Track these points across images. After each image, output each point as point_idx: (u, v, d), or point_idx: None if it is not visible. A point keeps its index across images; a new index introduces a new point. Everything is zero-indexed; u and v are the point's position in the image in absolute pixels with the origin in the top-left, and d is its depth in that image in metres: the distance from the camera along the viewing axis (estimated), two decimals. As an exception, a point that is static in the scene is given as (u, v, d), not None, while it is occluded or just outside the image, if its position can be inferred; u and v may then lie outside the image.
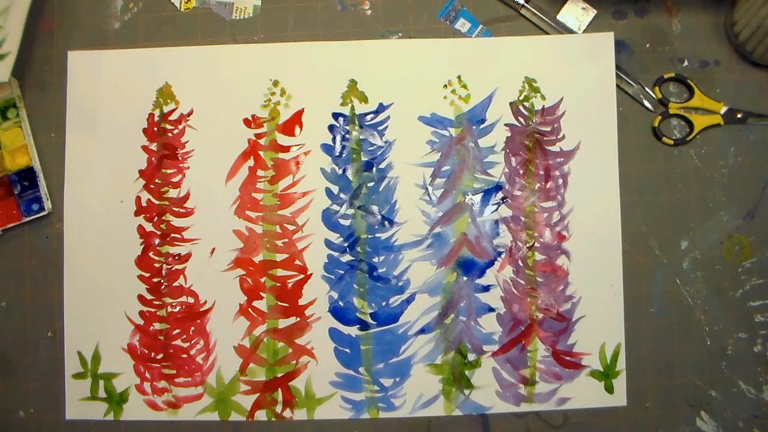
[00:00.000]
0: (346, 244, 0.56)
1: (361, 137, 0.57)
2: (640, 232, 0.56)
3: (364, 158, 0.57)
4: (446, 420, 0.55)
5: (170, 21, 0.58)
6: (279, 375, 0.56)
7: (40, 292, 0.57)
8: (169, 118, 0.58)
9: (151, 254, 0.57)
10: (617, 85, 0.57)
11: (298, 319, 0.56)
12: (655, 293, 0.56)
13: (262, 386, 0.56)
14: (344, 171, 0.57)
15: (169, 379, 0.56)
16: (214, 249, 0.56)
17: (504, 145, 0.57)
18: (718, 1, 0.58)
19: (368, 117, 0.57)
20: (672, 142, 0.57)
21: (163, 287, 0.56)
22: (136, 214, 0.57)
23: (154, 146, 0.58)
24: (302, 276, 0.56)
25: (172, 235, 0.57)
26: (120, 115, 0.58)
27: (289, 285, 0.56)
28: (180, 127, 0.57)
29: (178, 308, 0.56)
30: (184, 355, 0.56)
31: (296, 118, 0.57)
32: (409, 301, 0.56)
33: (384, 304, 0.56)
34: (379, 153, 0.57)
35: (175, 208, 0.57)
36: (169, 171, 0.57)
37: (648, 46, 0.58)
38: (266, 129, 0.57)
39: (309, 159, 0.57)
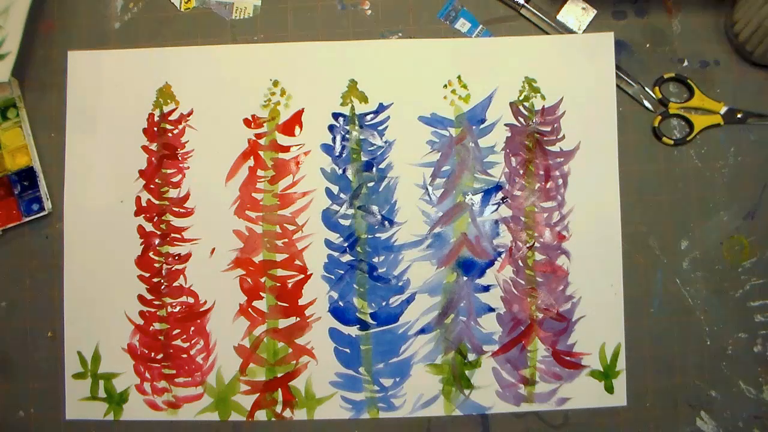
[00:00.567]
0: (346, 244, 0.56)
1: (361, 137, 0.57)
2: (640, 232, 0.56)
3: (364, 158, 0.57)
4: (446, 420, 0.55)
5: (170, 21, 0.58)
6: (279, 375, 0.56)
7: (40, 292, 0.57)
8: (169, 118, 0.58)
9: (151, 254, 0.57)
10: (617, 85, 0.57)
11: (298, 319, 0.56)
12: (655, 293, 0.56)
13: (262, 386, 0.56)
14: (344, 171, 0.57)
15: (169, 379, 0.56)
16: (214, 249, 0.56)
17: (504, 145, 0.57)
18: (718, 1, 0.58)
19: (368, 117, 0.57)
20: (672, 142, 0.57)
21: (163, 287, 0.56)
22: (136, 214, 0.57)
23: (154, 146, 0.58)
24: (302, 276, 0.56)
25: (172, 235, 0.57)
26: (120, 115, 0.58)
27: (289, 285, 0.56)
28: (180, 127, 0.57)
29: (178, 308, 0.56)
30: (184, 355, 0.56)
31: (296, 118, 0.57)
32: (409, 301, 0.56)
33: (384, 304, 0.56)
34: (379, 153, 0.57)
35: (175, 208, 0.57)
36: (169, 171, 0.57)
37: (648, 46, 0.58)
38: (266, 129, 0.57)
39: (309, 159, 0.57)
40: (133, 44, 0.58)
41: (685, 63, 0.58)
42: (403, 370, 0.56)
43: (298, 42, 0.58)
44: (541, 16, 0.58)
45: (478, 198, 0.57)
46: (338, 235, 0.56)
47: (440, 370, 0.55)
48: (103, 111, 0.58)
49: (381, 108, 0.57)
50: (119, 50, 0.58)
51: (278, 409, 0.56)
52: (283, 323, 0.56)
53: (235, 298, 0.56)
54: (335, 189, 0.57)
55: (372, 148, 0.57)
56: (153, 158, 0.57)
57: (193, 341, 0.56)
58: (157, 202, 0.57)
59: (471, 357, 0.56)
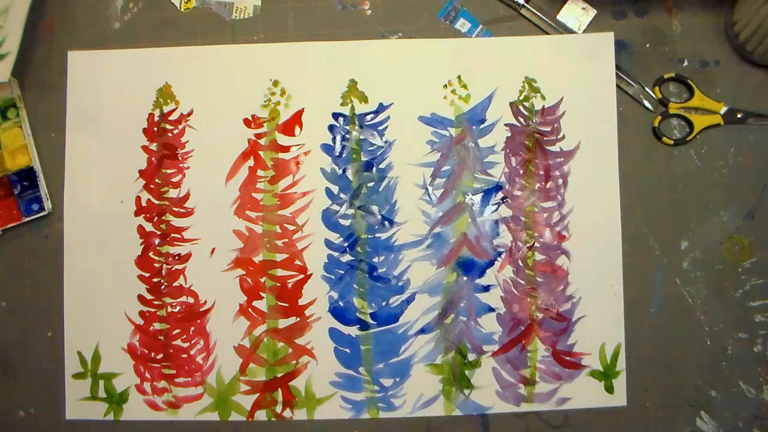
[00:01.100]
0: (346, 244, 0.56)
1: (361, 137, 0.57)
2: (640, 232, 0.56)
3: (364, 158, 0.57)
4: (446, 420, 0.55)
5: (170, 21, 0.58)
6: (279, 375, 0.56)
7: (40, 292, 0.57)
8: (169, 118, 0.58)
9: (151, 254, 0.57)
10: (617, 85, 0.57)
11: (298, 319, 0.56)
12: (655, 293, 0.56)
13: (262, 386, 0.56)
14: (344, 171, 0.57)
15: (169, 379, 0.56)
16: (214, 249, 0.56)
17: (504, 145, 0.57)
18: (718, 1, 0.57)
19: (368, 117, 0.57)
20: (672, 142, 0.57)
21: (163, 287, 0.56)
22: (136, 214, 0.57)
23: (154, 146, 0.58)
24: (302, 276, 0.56)
25: (172, 235, 0.57)
26: (120, 115, 0.58)
27: (289, 285, 0.56)
28: (180, 127, 0.57)
29: (178, 308, 0.56)
30: (184, 355, 0.56)
31: (296, 118, 0.57)
32: (409, 301, 0.56)
33: (384, 304, 0.56)
34: (379, 153, 0.57)
35: (175, 208, 0.57)
36: (169, 171, 0.57)
37: (648, 46, 0.58)
38: (266, 129, 0.57)
39: (309, 159, 0.57)
40: (133, 44, 0.58)
41: (685, 63, 0.58)
42: (403, 370, 0.56)
43: (298, 42, 0.58)
44: (541, 16, 0.58)
45: (478, 198, 0.57)
46: (338, 235, 0.56)
47: (440, 370, 0.56)
48: (103, 111, 0.58)
49: (381, 108, 0.57)
50: (119, 50, 0.58)
51: (278, 409, 0.56)
52: (283, 323, 0.56)
53: (235, 298, 0.56)
54: (335, 189, 0.57)
55: (372, 148, 0.57)
56: (153, 158, 0.57)
57: (193, 341, 0.56)
58: (157, 202, 0.57)
59: (471, 357, 0.56)
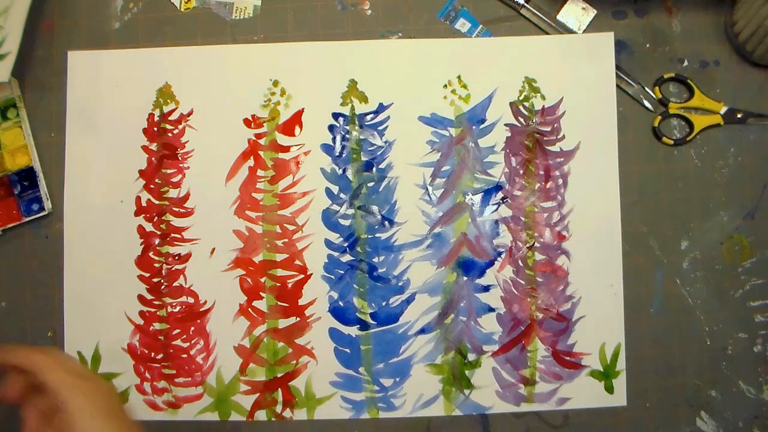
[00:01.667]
0: (346, 244, 0.56)
1: (361, 137, 0.57)
2: (640, 232, 0.56)
3: (364, 158, 0.57)
4: (446, 420, 0.55)
5: (170, 21, 0.58)
6: (279, 375, 0.56)
7: (40, 292, 0.57)
8: (169, 118, 0.58)
9: (151, 254, 0.57)
10: (617, 85, 0.57)
11: (298, 319, 0.56)
12: (655, 293, 0.56)
13: (262, 386, 0.56)
14: (344, 171, 0.57)
15: (169, 379, 0.56)
16: (214, 249, 0.56)
17: (504, 145, 0.57)
18: (718, 1, 0.57)
19: (368, 117, 0.57)
20: (672, 142, 0.57)
21: (163, 287, 0.56)
22: (136, 214, 0.57)
23: (154, 146, 0.58)
24: (302, 276, 0.56)
25: (172, 235, 0.57)
26: (120, 115, 0.58)
27: (289, 285, 0.56)
28: (180, 127, 0.57)
29: (178, 308, 0.56)
30: (184, 355, 0.56)
31: (296, 118, 0.57)
32: (409, 301, 0.56)
33: (384, 304, 0.56)
34: (379, 153, 0.57)
35: (175, 208, 0.57)
36: (169, 171, 0.57)
37: (648, 46, 0.58)
38: (266, 129, 0.57)
39: (309, 159, 0.57)
40: (133, 44, 0.58)
41: (685, 63, 0.58)
42: (403, 370, 0.56)
43: (298, 42, 0.58)
44: (541, 16, 0.58)
45: (478, 198, 0.57)
46: (338, 235, 0.56)
47: (440, 370, 0.56)
48: (103, 111, 0.58)
49: (381, 108, 0.57)
50: (119, 50, 0.58)
51: (278, 409, 0.56)
52: (283, 323, 0.56)
53: (235, 298, 0.56)
54: (335, 189, 0.57)
55: (372, 148, 0.57)
56: (153, 158, 0.57)
57: (193, 341, 0.56)
58: (157, 202, 0.57)
59: (471, 357, 0.56)
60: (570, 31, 0.58)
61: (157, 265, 0.56)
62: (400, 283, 0.56)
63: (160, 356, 0.56)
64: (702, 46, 0.58)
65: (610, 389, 0.55)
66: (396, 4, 0.58)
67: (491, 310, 0.56)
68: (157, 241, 0.57)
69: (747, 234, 0.57)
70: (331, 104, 0.57)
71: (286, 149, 0.57)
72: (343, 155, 0.57)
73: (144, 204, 0.57)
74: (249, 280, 0.56)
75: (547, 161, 0.57)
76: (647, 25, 0.58)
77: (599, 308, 0.56)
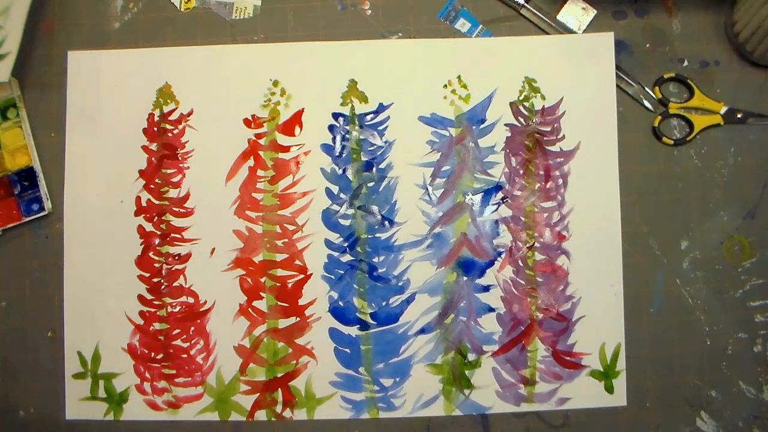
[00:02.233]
0: (346, 244, 0.56)
1: (361, 137, 0.57)
2: (640, 232, 0.56)
3: (364, 158, 0.57)
4: (446, 420, 0.55)
5: (170, 21, 0.58)
6: (279, 375, 0.56)
7: (40, 292, 0.57)
8: (169, 118, 0.58)
9: (151, 254, 0.57)
10: (617, 85, 0.57)
11: (298, 319, 0.56)
12: (655, 293, 0.56)
13: (262, 386, 0.56)
14: (344, 171, 0.57)
15: (169, 379, 0.56)
16: (214, 249, 0.56)
17: (504, 145, 0.57)
18: (718, 1, 0.57)
19: (368, 117, 0.57)
20: (672, 142, 0.57)
21: (163, 287, 0.56)
22: (136, 214, 0.57)
23: (154, 146, 0.58)
24: (302, 276, 0.56)
25: (172, 235, 0.57)
26: (120, 115, 0.58)
27: (289, 285, 0.56)
28: (180, 127, 0.57)
29: (178, 308, 0.56)
30: (184, 355, 0.56)
31: (296, 118, 0.57)
32: (409, 301, 0.56)
33: (384, 304, 0.56)
34: (379, 153, 0.57)
35: (175, 208, 0.57)
36: (169, 171, 0.57)
37: (648, 46, 0.58)
38: (266, 129, 0.57)
39: (309, 159, 0.57)
40: (133, 44, 0.58)
41: (685, 63, 0.58)
42: (403, 370, 0.56)
43: (298, 42, 0.58)
44: (541, 16, 0.58)
45: (478, 198, 0.57)
46: (338, 235, 0.56)
47: (440, 370, 0.55)
48: (103, 111, 0.58)
49: (381, 108, 0.57)
50: (119, 50, 0.58)
51: (278, 409, 0.56)
52: (283, 323, 0.56)
53: (235, 298, 0.56)
54: (335, 189, 0.57)
55: (372, 148, 0.57)
56: (153, 158, 0.57)
57: (193, 341, 0.56)
58: (157, 202, 0.57)
59: (471, 357, 0.56)
60: (570, 31, 0.58)
61: (157, 265, 0.56)
62: (400, 283, 0.56)
63: (160, 356, 0.56)
64: (702, 46, 0.58)
65: (610, 389, 0.55)
66: (396, 4, 0.58)
67: (491, 310, 0.56)
68: (157, 241, 0.57)
69: (747, 234, 0.57)
70: (331, 104, 0.57)
71: (286, 149, 0.57)
72: (343, 155, 0.57)
73: (144, 204, 0.57)
74: (249, 280, 0.56)
75: (547, 161, 0.57)
76: (647, 25, 0.58)
77: (599, 308, 0.56)
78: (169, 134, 0.57)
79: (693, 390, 0.56)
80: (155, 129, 0.58)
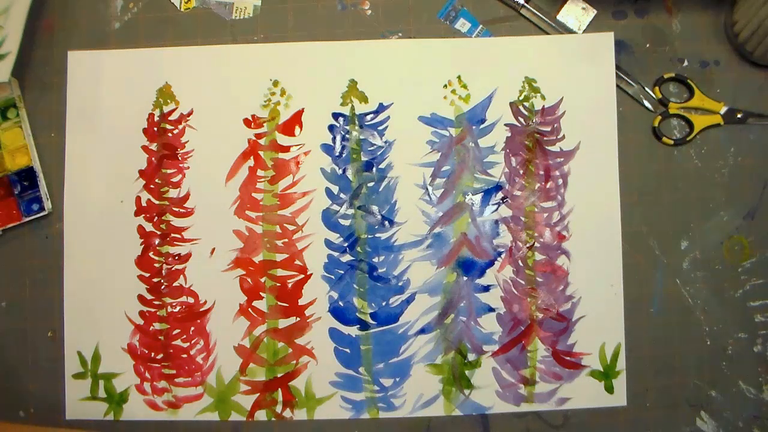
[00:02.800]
0: (346, 244, 0.56)
1: (361, 137, 0.57)
2: (640, 232, 0.56)
3: (364, 158, 0.57)
4: (446, 420, 0.55)
5: (170, 21, 0.58)
6: (279, 375, 0.56)
7: (40, 292, 0.57)
8: (169, 118, 0.58)
9: (151, 254, 0.57)
10: (617, 85, 0.57)
11: (298, 319, 0.56)
12: (655, 293, 0.56)
13: (262, 386, 0.56)
14: (344, 171, 0.57)
15: (169, 379, 0.56)
16: (214, 249, 0.56)
17: (504, 145, 0.57)
18: (718, 1, 0.57)
19: (368, 117, 0.57)
20: (672, 142, 0.57)
21: (163, 287, 0.56)
22: (136, 214, 0.57)
23: (154, 146, 0.58)
24: (302, 276, 0.56)
25: (172, 235, 0.57)
26: (120, 115, 0.58)
27: (289, 285, 0.56)
28: (180, 127, 0.57)
29: (178, 308, 0.56)
30: (184, 355, 0.56)
31: (296, 118, 0.57)
32: (409, 301, 0.56)
33: (384, 304, 0.56)
34: (379, 153, 0.57)
35: (175, 208, 0.57)
36: (169, 171, 0.57)
37: (648, 46, 0.58)
38: (266, 129, 0.57)
39: (309, 159, 0.57)
40: (133, 44, 0.58)
41: (685, 63, 0.58)
42: (403, 370, 0.56)
43: (298, 42, 0.58)
44: (541, 16, 0.58)
45: (478, 198, 0.57)
46: (338, 235, 0.56)
47: (440, 370, 0.55)
48: (103, 111, 0.58)
49: (381, 108, 0.57)
50: (119, 50, 0.58)
51: (278, 409, 0.56)
52: (283, 323, 0.56)
53: (235, 298, 0.56)
54: (335, 189, 0.57)
55: (372, 148, 0.57)
56: (153, 158, 0.57)
57: (193, 341, 0.56)
58: (157, 202, 0.57)
59: (471, 357, 0.56)
60: (570, 31, 0.58)
61: (157, 265, 0.56)
62: (400, 283, 0.56)
63: (160, 356, 0.56)
64: (702, 46, 0.58)
65: (610, 389, 0.55)
66: (396, 4, 0.58)
67: (491, 310, 0.56)
68: (157, 241, 0.57)
69: (747, 234, 0.57)
70: (331, 104, 0.57)
71: (286, 149, 0.57)
72: (343, 155, 0.57)
73: (144, 204, 0.57)
74: (249, 280, 0.56)
75: (547, 161, 0.57)
76: (647, 25, 0.58)
77: (599, 308, 0.56)
78: (169, 134, 0.57)
79: (693, 390, 0.56)
80: (155, 129, 0.58)
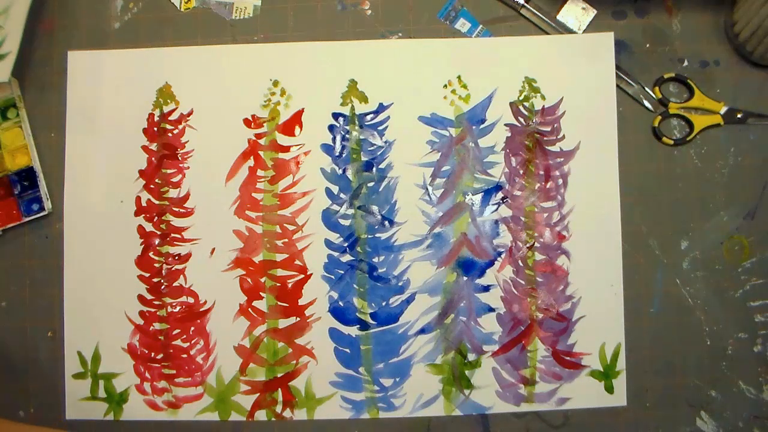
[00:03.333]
0: (346, 244, 0.56)
1: (361, 137, 0.57)
2: (640, 232, 0.56)
3: (364, 158, 0.57)
4: (446, 420, 0.55)
5: (170, 21, 0.58)
6: (279, 375, 0.56)
7: (40, 292, 0.57)
8: (169, 118, 0.58)
9: (151, 254, 0.57)
10: (617, 85, 0.57)
11: (298, 319, 0.56)
12: (655, 293, 0.56)
13: (262, 386, 0.56)
14: (344, 171, 0.57)
15: (169, 379, 0.56)
16: (214, 249, 0.56)
17: (504, 145, 0.57)
18: (718, 1, 0.57)
19: (368, 117, 0.57)
20: (672, 142, 0.57)
21: (163, 287, 0.56)
22: (136, 214, 0.57)
23: (154, 146, 0.58)
24: (302, 276, 0.56)
25: (172, 235, 0.57)
26: (120, 115, 0.58)
27: (289, 285, 0.56)
28: (180, 127, 0.58)
29: (178, 308, 0.56)
30: (184, 355, 0.56)
31: (296, 118, 0.57)
32: (409, 301, 0.56)
33: (384, 304, 0.56)
34: (379, 153, 0.57)
35: (175, 208, 0.57)
36: (169, 171, 0.57)
37: (648, 46, 0.58)
38: (266, 129, 0.57)
39: (309, 159, 0.57)
40: (133, 44, 0.58)
41: (685, 63, 0.58)
42: (403, 370, 0.56)
43: (298, 42, 0.58)
44: (541, 16, 0.58)
45: (478, 198, 0.57)
46: (338, 235, 0.56)
47: (440, 370, 0.55)
48: (103, 111, 0.58)
49: (381, 108, 0.57)
50: (119, 50, 0.58)
51: (278, 409, 0.56)
52: (283, 323, 0.56)
53: (235, 298, 0.56)
54: (335, 189, 0.57)
55: (372, 148, 0.57)
56: (153, 158, 0.57)
57: (193, 341, 0.56)
58: (157, 202, 0.57)
59: (471, 357, 0.56)
60: (570, 31, 0.58)
61: (157, 265, 0.56)
62: (400, 283, 0.56)
63: (160, 356, 0.56)
64: (702, 46, 0.58)
65: (610, 389, 0.55)
66: (396, 4, 0.58)
67: (491, 310, 0.56)
68: (157, 241, 0.57)
69: (747, 234, 0.57)
70: (331, 104, 0.57)
71: (286, 149, 0.57)
72: (343, 155, 0.57)
73: (144, 204, 0.57)
74: (249, 280, 0.56)
75: (547, 161, 0.57)
76: (647, 25, 0.58)
77: (599, 308, 0.56)
78: (169, 134, 0.57)
79: (693, 390, 0.56)
80: (155, 129, 0.58)
